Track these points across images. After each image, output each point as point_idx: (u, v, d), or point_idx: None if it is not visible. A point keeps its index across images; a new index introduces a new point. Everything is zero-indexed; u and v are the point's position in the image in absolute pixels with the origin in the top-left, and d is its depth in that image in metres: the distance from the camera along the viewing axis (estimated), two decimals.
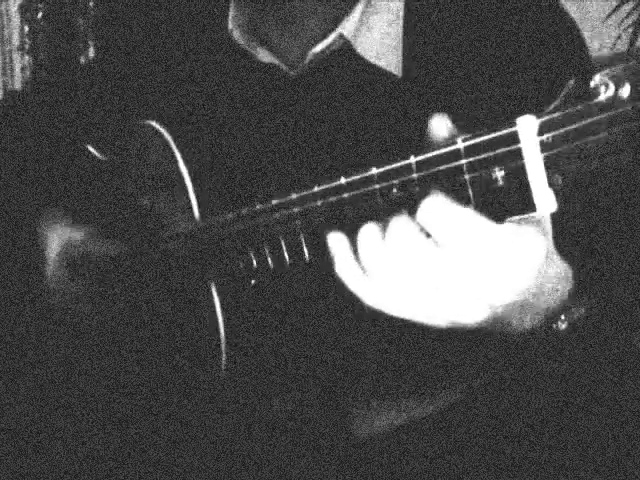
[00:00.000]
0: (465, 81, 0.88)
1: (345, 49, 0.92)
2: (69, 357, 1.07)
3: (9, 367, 1.09)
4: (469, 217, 0.57)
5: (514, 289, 0.61)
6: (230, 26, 0.98)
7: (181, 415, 1.00)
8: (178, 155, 0.92)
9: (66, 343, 1.07)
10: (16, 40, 2.34)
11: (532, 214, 0.55)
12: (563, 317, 0.70)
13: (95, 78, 1.15)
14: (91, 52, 2.21)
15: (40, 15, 2.27)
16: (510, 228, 0.58)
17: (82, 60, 2.23)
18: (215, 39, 1.01)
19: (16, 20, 2.35)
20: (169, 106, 1.02)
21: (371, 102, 0.92)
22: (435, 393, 0.96)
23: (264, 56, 0.96)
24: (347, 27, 0.91)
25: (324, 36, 0.92)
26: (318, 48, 0.92)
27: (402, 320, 0.65)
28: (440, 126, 0.61)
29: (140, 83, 1.07)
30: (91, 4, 2.20)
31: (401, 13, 0.92)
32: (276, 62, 0.95)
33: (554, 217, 0.61)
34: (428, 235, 0.59)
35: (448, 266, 0.59)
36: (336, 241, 0.65)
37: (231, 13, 0.98)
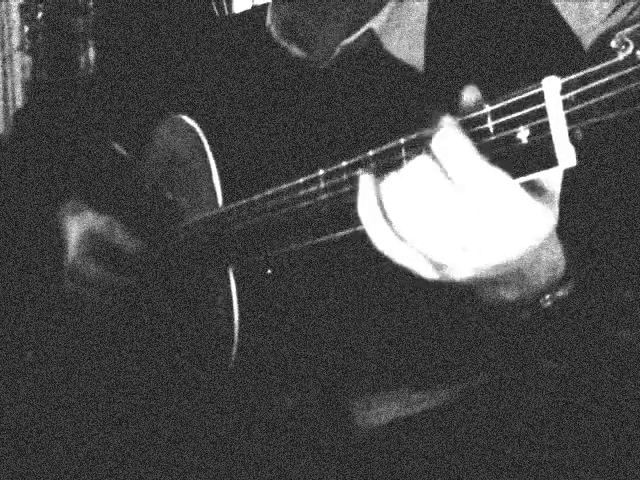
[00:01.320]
0: (484, 76, 0.91)
1: (371, 44, 0.97)
2: (69, 357, 1.07)
3: (9, 367, 1.09)
4: (486, 170, 0.59)
5: (512, 250, 0.62)
6: (268, 22, 1.05)
7: (181, 415, 1.00)
8: (207, 147, 0.95)
9: (67, 343, 1.07)
10: (16, 40, 2.34)
11: (553, 169, 0.58)
12: (548, 296, 0.73)
13: (108, 77, 1.18)
14: (91, 52, 2.21)
15: (40, 15, 2.27)
16: (527, 195, 0.60)
17: (82, 60, 2.23)
18: (248, 34, 1.07)
19: (16, 20, 2.35)
20: (200, 99, 1.07)
21: (394, 95, 0.96)
22: (435, 393, 0.96)
23: (296, 51, 1.02)
24: (377, 22, 0.97)
25: (353, 31, 0.97)
26: (347, 41, 0.97)
27: (402, 271, 0.66)
28: (471, 97, 0.64)
29: (169, 77, 1.11)
30: (91, 4, 2.21)
31: (425, 11, 0.97)
32: (306, 56, 1.01)
33: (561, 200, 0.63)
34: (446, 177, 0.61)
35: (459, 207, 0.61)
36: (365, 180, 0.66)
37: (269, 10, 1.05)
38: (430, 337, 0.93)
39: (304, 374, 0.98)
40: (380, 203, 0.65)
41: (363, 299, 0.94)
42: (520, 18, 0.94)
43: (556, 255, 0.71)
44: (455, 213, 0.61)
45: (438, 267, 0.65)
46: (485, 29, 0.94)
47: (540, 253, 0.66)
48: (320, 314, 0.95)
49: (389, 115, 0.95)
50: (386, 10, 0.97)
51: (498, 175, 0.59)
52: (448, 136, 0.60)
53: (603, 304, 0.78)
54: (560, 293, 0.73)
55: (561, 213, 0.64)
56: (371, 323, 0.94)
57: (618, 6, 0.97)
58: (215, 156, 0.95)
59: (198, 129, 0.98)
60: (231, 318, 0.89)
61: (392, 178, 0.64)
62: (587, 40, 0.93)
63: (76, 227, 1.07)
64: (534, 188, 0.62)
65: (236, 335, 0.89)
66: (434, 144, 0.61)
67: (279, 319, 0.96)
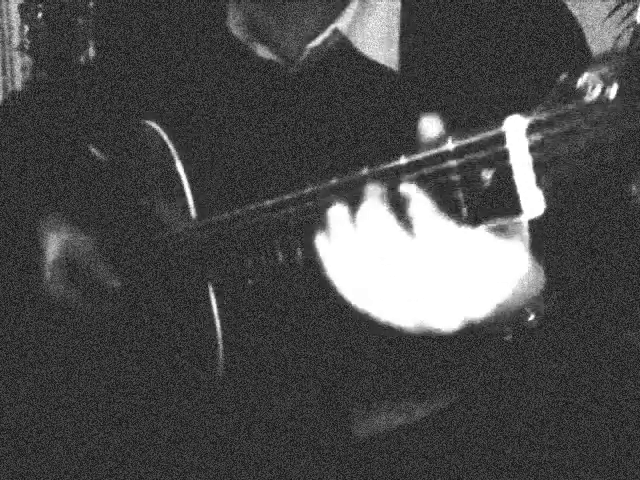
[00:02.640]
0: (463, 77, 0.89)
1: (343, 45, 0.93)
2: (69, 357, 1.07)
3: (9, 367, 1.09)
4: (446, 225, 0.57)
5: (492, 301, 0.60)
6: (229, 23, 0.98)
7: (181, 415, 1.00)
8: (176, 155, 0.93)
9: (66, 343, 1.07)
10: (16, 40, 2.34)
11: (518, 218, 0.54)
12: (530, 310, 0.70)
13: (95, 78, 1.16)
14: (91, 52, 2.21)
15: (40, 15, 2.27)
16: (486, 237, 0.57)
17: (82, 60, 2.23)
18: (214, 37, 1.01)
19: (16, 20, 2.34)
20: (168, 105, 1.03)
21: (369, 97, 0.92)
22: (435, 393, 0.96)
23: (263, 52, 0.96)
24: (342, 22, 0.92)
25: (319, 31, 0.92)
26: (314, 43, 0.92)
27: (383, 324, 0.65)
28: (430, 126, 0.61)
29: (139, 83, 1.07)
30: (91, 4, 2.20)
31: (398, 9, 0.92)
32: (274, 58, 0.96)
33: (531, 224, 0.60)
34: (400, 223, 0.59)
35: (421, 269, 0.58)
36: (336, 212, 0.64)
37: (230, 10, 0.99)
38: (430, 337, 0.93)
39: (304, 375, 0.98)
40: (344, 263, 0.62)
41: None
42: (501, 15, 0.90)
43: (532, 275, 0.67)
44: (416, 263, 0.59)
45: (419, 321, 0.62)
46: (466, 26, 0.90)
47: (519, 281, 0.62)
48: (320, 315, 0.94)
49: (365, 118, 0.92)
50: (352, 8, 0.92)
51: (459, 233, 0.57)
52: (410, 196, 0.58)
53: (603, 304, 0.78)
54: (540, 306, 0.71)
55: (531, 223, 0.62)
56: (371, 324, 0.94)
57: (618, 6, 0.96)
58: (187, 166, 0.93)
59: (164, 135, 0.95)
60: (214, 328, 0.89)
61: (346, 237, 0.61)
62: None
63: (55, 241, 1.05)
64: (502, 229, 0.59)
65: (221, 347, 0.89)
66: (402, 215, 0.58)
67: (279, 319, 0.96)
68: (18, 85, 2.36)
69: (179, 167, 0.92)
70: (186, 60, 1.03)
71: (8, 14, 2.36)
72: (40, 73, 2.29)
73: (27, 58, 2.33)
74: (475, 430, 0.93)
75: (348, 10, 0.92)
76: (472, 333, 0.66)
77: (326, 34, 0.92)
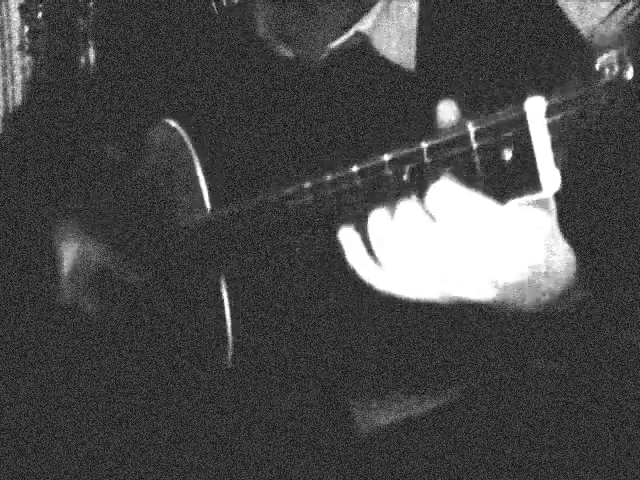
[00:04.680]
0: (477, 76, 0.90)
1: (363, 45, 0.95)
2: (70, 356, 1.07)
3: (10, 367, 1.09)
4: (475, 201, 0.59)
5: (520, 267, 0.62)
6: (255, 22, 1.02)
7: (181, 415, 1.00)
8: (194, 153, 0.94)
9: (67, 342, 1.07)
10: (16, 40, 2.34)
11: (538, 194, 0.57)
12: (566, 300, 0.71)
13: (108, 77, 1.17)
14: (91, 52, 2.21)
15: (40, 15, 2.26)
16: (515, 209, 0.60)
17: (82, 60, 2.22)
18: (236, 35, 1.04)
19: (16, 20, 2.34)
20: (185, 103, 1.05)
21: (385, 96, 0.95)
22: (435, 393, 0.96)
23: (284, 51, 0.99)
24: (365, 24, 0.94)
25: (342, 32, 0.95)
26: (336, 43, 0.95)
27: (412, 303, 0.66)
28: (447, 111, 0.63)
29: (156, 81, 1.09)
30: (91, 4, 2.20)
31: (416, 10, 0.95)
32: (295, 57, 0.98)
33: (558, 198, 0.62)
34: (435, 219, 0.61)
35: (454, 248, 0.61)
36: (348, 234, 0.67)
37: (255, 11, 1.02)
38: (430, 337, 0.93)
39: (304, 374, 0.98)
40: (370, 250, 0.65)
41: (363, 299, 0.93)
42: (516, 16, 0.93)
43: (564, 255, 0.68)
44: (450, 251, 0.61)
45: (453, 291, 0.64)
46: (479, 27, 0.93)
47: (551, 250, 0.65)
48: (320, 315, 0.94)
49: (381, 117, 0.94)
50: (375, 10, 0.95)
51: (487, 208, 0.59)
52: (442, 192, 0.60)
53: (603, 304, 0.78)
54: (577, 295, 0.72)
55: (561, 205, 0.64)
56: (371, 323, 0.94)
57: (618, 6, 0.97)
58: (203, 160, 0.94)
59: (184, 134, 0.96)
60: (224, 321, 0.89)
61: (379, 221, 0.63)
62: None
63: (69, 253, 1.05)
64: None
65: (230, 338, 0.89)
66: (429, 197, 0.60)
67: (279, 319, 0.96)
68: (18, 85, 2.36)
69: (197, 165, 0.93)
70: (204, 58, 1.06)
71: (8, 14, 2.36)
72: (40, 73, 2.29)
73: (27, 58, 2.32)
74: (475, 430, 0.93)
75: (372, 12, 0.95)
76: (510, 308, 0.67)
77: (348, 36, 0.95)
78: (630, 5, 0.92)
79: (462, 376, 0.95)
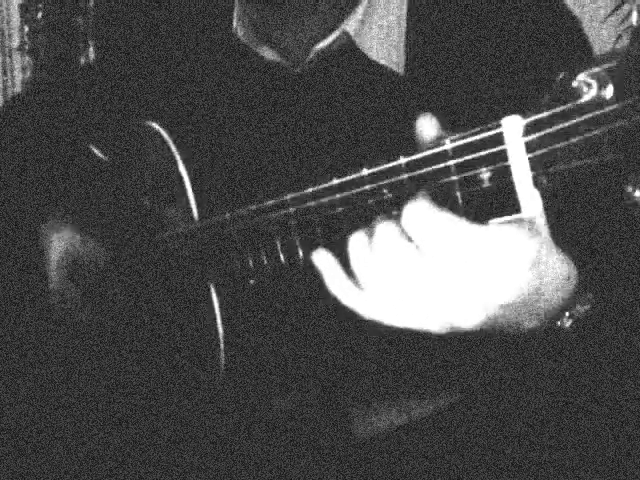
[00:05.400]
0: (466, 79, 0.89)
1: (348, 47, 0.93)
2: (69, 357, 1.07)
3: (9, 367, 1.09)
4: (452, 222, 0.57)
5: (506, 289, 0.60)
6: (235, 24, 0.99)
7: (181, 415, 1.00)
8: (177, 156, 0.93)
9: (66, 343, 1.07)
10: (16, 40, 2.34)
11: (518, 215, 0.55)
12: (567, 314, 0.69)
13: (96, 78, 1.16)
14: (91, 52, 2.21)
15: (40, 15, 2.26)
16: (495, 230, 0.57)
17: (82, 60, 2.23)
18: (218, 38, 1.01)
19: (16, 20, 2.34)
20: (170, 105, 1.03)
21: (373, 99, 0.93)
22: (435, 393, 0.96)
23: (268, 54, 0.96)
24: (350, 24, 0.92)
25: (327, 33, 0.93)
26: (321, 45, 0.93)
27: (400, 329, 0.64)
28: (426, 126, 0.61)
29: (141, 83, 1.07)
30: (91, 4, 2.20)
31: (404, 12, 0.93)
32: (279, 60, 0.96)
33: (550, 216, 0.61)
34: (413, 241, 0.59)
35: (435, 272, 0.58)
36: (322, 259, 0.64)
37: (236, 12, 0.99)
38: (430, 337, 0.93)
39: (304, 374, 0.98)
40: (350, 274, 0.63)
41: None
42: (508, 17, 0.90)
43: (561, 270, 0.66)
44: (430, 274, 0.59)
45: (440, 322, 0.62)
46: (470, 28, 0.90)
47: (541, 275, 0.62)
48: (320, 315, 0.94)
49: (369, 121, 0.92)
50: (359, 10, 0.92)
51: (465, 229, 0.57)
52: (416, 213, 0.57)
53: (604, 304, 0.78)
54: (579, 309, 0.69)
55: (554, 221, 0.62)
56: (371, 325, 0.93)
57: (618, 6, 0.96)
58: (189, 166, 0.93)
59: (166, 135, 0.95)
60: (216, 327, 0.89)
61: (358, 244, 0.61)
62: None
63: (57, 242, 1.05)
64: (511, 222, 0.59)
65: (222, 345, 0.89)
66: (404, 219, 0.58)
67: (279, 319, 0.96)
68: (18, 85, 2.36)
69: (181, 168, 0.92)
70: (189, 61, 1.04)
71: (8, 14, 2.36)
72: (40, 73, 2.28)
73: (27, 58, 2.32)
74: (475, 430, 0.93)
75: (356, 12, 0.92)
76: (503, 330, 0.66)
77: (333, 37, 0.92)
78: (630, 6, 0.92)
79: (462, 376, 0.95)
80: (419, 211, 0.57)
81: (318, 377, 0.97)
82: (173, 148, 0.94)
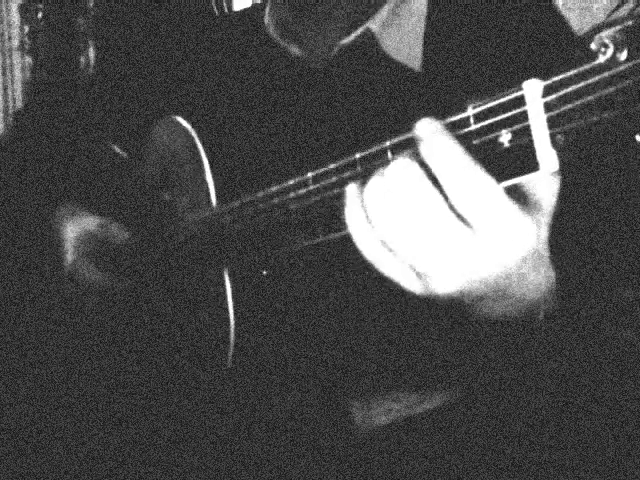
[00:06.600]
0: (481, 77, 0.91)
1: (369, 44, 0.97)
2: (70, 355, 1.07)
3: (9, 367, 1.09)
4: (473, 174, 0.59)
5: (492, 265, 0.61)
6: (266, 21, 1.05)
7: (181, 415, 1.00)
8: (201, 148, 0.95)
9: (67, 342, 1.07)
10: (16, 40, 2.34)
11: (535, 174, 0.57)
12: (541, 307, 0.71)
13: (108, 77, 1.18)
14: (91, 52, 2.21)
15: (40, 15, 2.27)
16: (512, 202, 0.59)
17: (82, 60, 2.23)
18: (251, 31, 1.07)
19: (16, 20, 2.35)
20: (191, 100, 1.07)
21: (390, 94, 0.96)
22: (435, 392, 0.96)
23: (294, 49, 1.02)
24: (375, 22, 0.97)
25: (351, 30, 0.97)
26: (346, 41, 0.97)
27: (388, 282, 0.65)
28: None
29: (163, 78, 1.11)
30: (91, 4, 2.21)
31: (424, 12, 0.97)
32: (304, 55, 1.01)
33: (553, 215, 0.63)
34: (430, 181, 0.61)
35: (440, 211, 0.60)
36: (351, 189, 0.66)
37: (267, 9, 1.05)
38: (430, 337, 0.93)
39: (304, 374, 0.98)
40: (365, 210, 0.64)
41: (363, 299, 0.94)
42: (519, 18, 0.94)
43: (547, 267, 0.68)
44: (439, 220, 0.60)
45: (421, 278, 0.64)
46: (484, 29, 0.94)
47: (526, 272, 0.64)
48: (320, 315, 0.95)
49: (385, 116, 0.95)
50: (385, 10, 0.97)
51: (484, 178, 0.58)
52: (437, 139, 0.60)
53: (603, 304, 0.78)
54: (552, 305, 0.71)
55: (559, 224, 0.63)
56: (371, 323, 0.94)
57: (618, 6, 0.98)
58: (209, 156, 0.95)
59: (191, 130, 0.98)
60: (227, 319, 0.89)
61: (376, 183, 0.63)
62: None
63: (73, 229, 1.07)
64: (520, 197, 0.61)
65: (232, 336, 0.89)
66: (422, 147, 0.60)
67: (279, 319, 0.96)
68: (18, 85, 2.36)
69: (204, 159, 0.94)
70: (204, 57, 1.07)
71: (8, 14, 2.36)
72: (40, 73, 2.29)
73: (27, 58, 2.33)
74: (475, 429, 0.93)
75: (381, 11, 0.97)
76: (476, 308, 0.66)
77: (357, 33, 0.97)
78: (630, 5, 0.93)
79: (462, 376, 0.95)
80: (442, 141, 0.59)
81: (318, 376, 0.97)
82: (197, 141, 0.96)
